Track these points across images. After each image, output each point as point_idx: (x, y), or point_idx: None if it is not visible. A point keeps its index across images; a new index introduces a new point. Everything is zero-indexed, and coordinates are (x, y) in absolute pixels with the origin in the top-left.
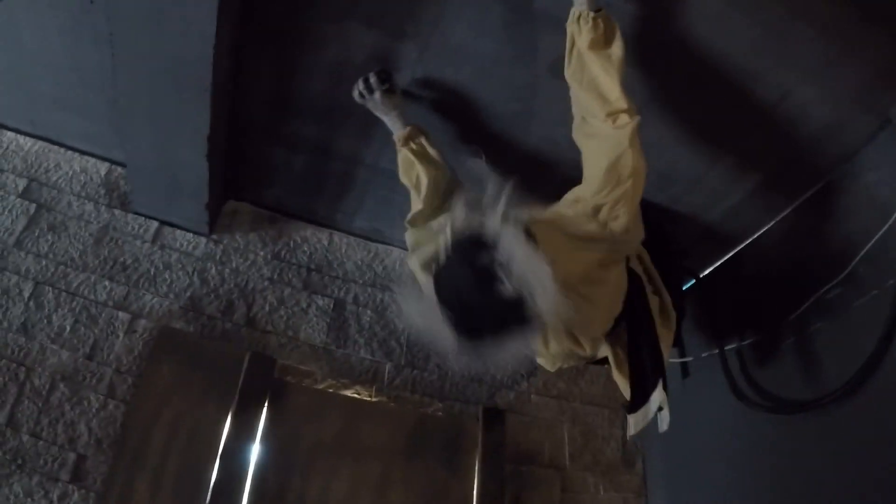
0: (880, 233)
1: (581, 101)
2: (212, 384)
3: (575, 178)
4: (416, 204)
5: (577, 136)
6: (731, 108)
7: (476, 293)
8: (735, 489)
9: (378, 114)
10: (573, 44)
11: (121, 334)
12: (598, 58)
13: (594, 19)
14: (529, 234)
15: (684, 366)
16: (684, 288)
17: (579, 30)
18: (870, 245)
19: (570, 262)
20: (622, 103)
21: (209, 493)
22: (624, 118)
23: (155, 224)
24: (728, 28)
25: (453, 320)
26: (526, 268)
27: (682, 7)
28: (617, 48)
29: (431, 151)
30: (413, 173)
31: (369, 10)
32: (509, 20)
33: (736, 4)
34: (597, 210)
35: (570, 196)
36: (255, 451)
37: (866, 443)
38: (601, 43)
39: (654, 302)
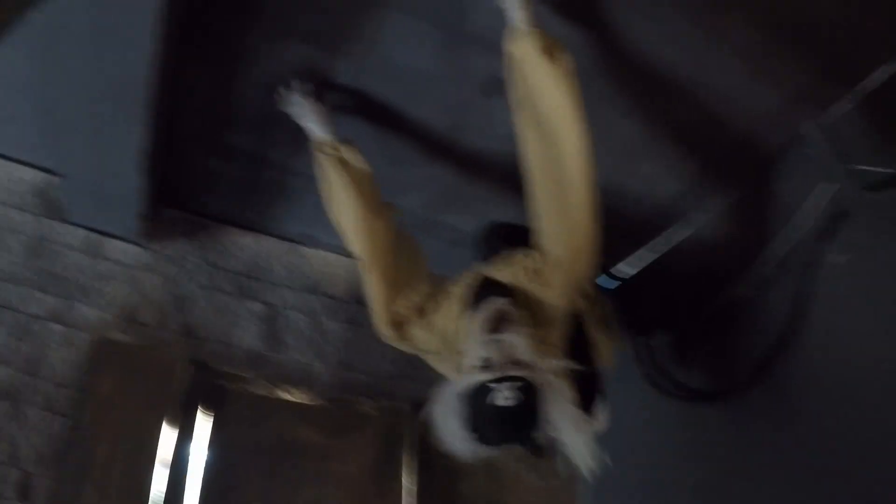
0: (786, 237)
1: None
2: (151, 393)
3: (502, 184)
4: (355, 240)
5: (525, 141)
6: (652, 120)
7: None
8: (652, 472)
9: (300, 121)
10: (513, 63)
11: (58, 347)
12: (547, 72)
13: (533, 32)
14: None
15: None
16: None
17: (519, 46)
18: (777, 248)
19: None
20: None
21: (151, 502)
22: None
23: (90, 234)
24: (651, 49)
25: (483, 436)
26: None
27: (609, 28)
28: (564, 62)
29: (347, 156)
30: (327, 179)
31: (307, 28)
32: (441, 41)
33: (662, 32)
34: (567, 283)
35: (522, 264)
36: (196, 456)
37: (769, 429)
38: (546, 51)
39: (592, 313)
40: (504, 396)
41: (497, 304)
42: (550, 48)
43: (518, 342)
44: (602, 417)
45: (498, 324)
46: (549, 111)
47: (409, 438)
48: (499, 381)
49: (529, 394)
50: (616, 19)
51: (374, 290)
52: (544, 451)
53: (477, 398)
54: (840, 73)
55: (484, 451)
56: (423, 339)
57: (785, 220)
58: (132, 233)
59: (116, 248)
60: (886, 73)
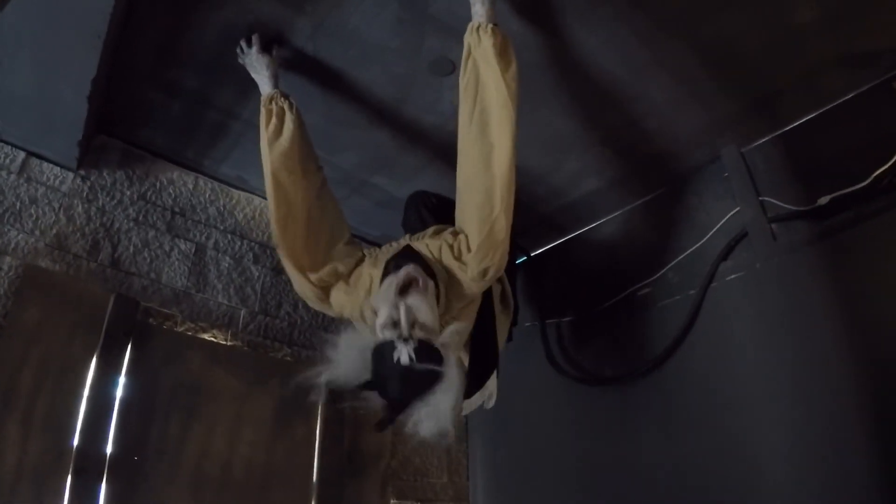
0: (691, 249)
1: (467, 114)
2: (77, 325)
3: (436, 156)
4: (274, 199)
5: (464, 129)
6: (584, 121)
7: (409, 389)
8: (540, 440)
9: (253, 73)
10: (469, 54)
11: None
12: (496, 69)
13: (492, 29)
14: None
15: (509, 332)
16: (517, 262)
17: (478, 39)
18: (681, 257)
19: (465, 314)
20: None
21: (77, 433)
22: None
23: (22, 154)
24: (595, 57)
25: (384, 391)
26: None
27: (559, 33)
28: (513, 63)
29: (290, 116)
30: (265, 137)
31: None
32: (402, 17)
33: (608, 46)
34: (483, 274)
35: (449, 243)
36: (119, 391)
37: (649, 417)
38: (500, 49)
39: (496, 290)
40: (405, 355)
41: (409, 269)
42: (504, 47)
43: (423, 307)
44: (493, 389)
45: (407, 288)
46: (490, 107)
47: (321, 388)
48: (403, 340)
49: (429, 356)
50: (567, 26)
51: (289, 260)
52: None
53: (381, 355)
54: (766, 110)
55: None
56: (344, 304)
57: (692, 232)
58: (67, 158)
59: (49, 171)
60: (806, 116)
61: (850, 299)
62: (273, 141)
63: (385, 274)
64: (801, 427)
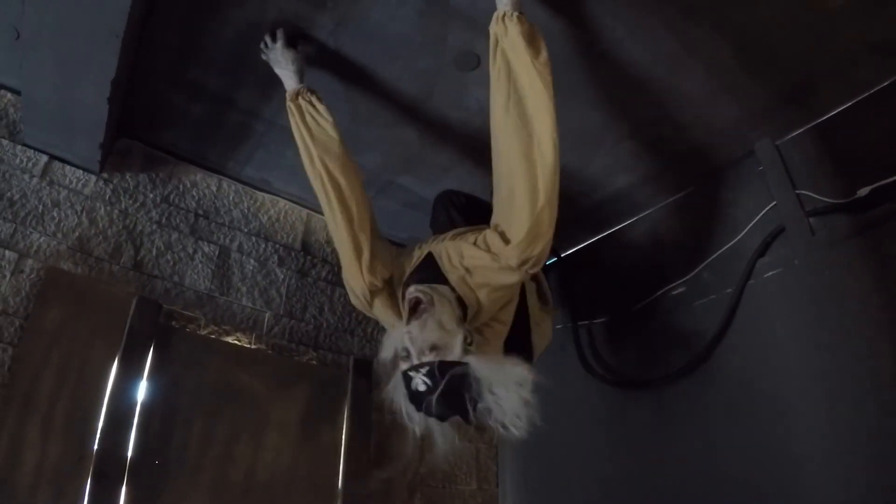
0: (727, 246)
1: (502, 102)
2: (99, 327)
3: (463, 155)
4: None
5: (500, 121)
6: (615, 114)
7: (444, 410)
8: (573, 445)
9: (277, 69)
10: (497, 43)
11: (7, 274)
12: (527, 57)
13: (518, 17)
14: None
15: None
16: (547, 263)
17: (505, 28)
18: (716, 255)
19: (504, 314)
20: (549, 148)
21: (97, 436)
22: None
23: (44, 158)
24: (625, 48)
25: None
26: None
27: (588, 23)
28: (543, 50)
29: (319, 109)
30: (300, 133)
31: None
32: (423, 10)
33: (636, 36)
34: (523, 263)
35: (471, 241)
36: (141, 394)
37: (686, 421)
38: (528, 37)
39: (530, 288)
40: (420, 382)
41: (410, 292)
42: (532, 35)
43: (428, 329)
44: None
45: (414, 311)
46: (526, 95)
47: (346, 392)
48: (415, 369)
49: (448, 374)
50: (595, 15)
51: (352, 255)
52: (476, 421)
53: (406, 386)
54: (800, 101)
55: (432, 422)
56: (383, 313)
57: (726, 228)
58: (89, 161)
59: (72, 174)
60: (842, 106)
61: (892, 294)
62: (313, 135)
63: (402, 297)
64: (845, 428)
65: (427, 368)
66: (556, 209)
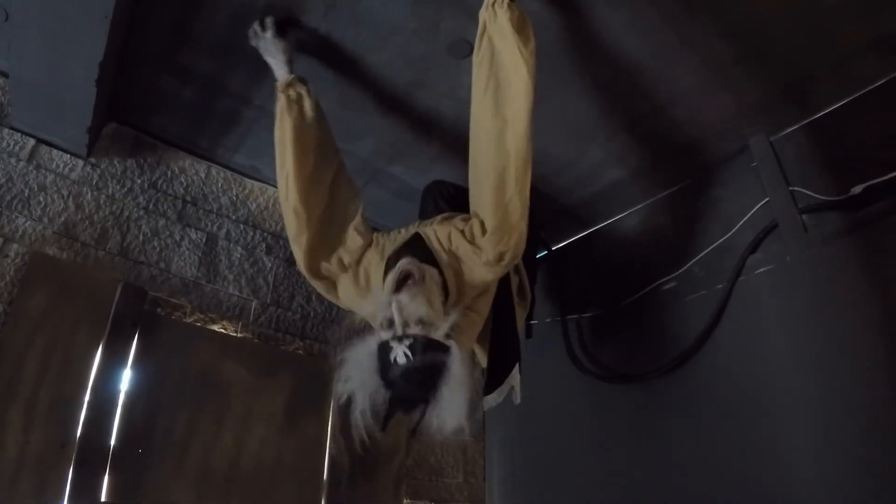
0: (719, 242)
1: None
2: (84, 314)
3: (454, 145)
4: (287, 196)
5: (477, 105)
6: (608, 107)
7: (412, 386)
8: (558, 437)
9: (267, 57)
10: (484, 30)
11: None
12: (514, 44)
13: (508, 4)
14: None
15: (529, 327)
16: (538, 256)
17: (494, 14)
18: (707, 250)
19: (480, 304)
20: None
21: (80, 424)
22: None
23: (32, 142)
24: (618, 38)
25: (390, 391)
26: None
27: (580, 11)
28: (532, 38)
29: (308, 102)
30: (283, 124)
31: None
32: None
33: (634, 26)
34: (500, 258)
35: (459, 228)
36: (125, 381)
37: (672, 415)
38: (517, 25)
39: (514, 282)
40: (400, 353)
41: (404, 263)
42: (522, 22)
43: (417, 301)
44: (516, 383)
45: (403, 283)
46: (507, 81)
47: (332, 382)
48: (398, 339)
49: (430, 350)
50: (589, 5)
51: (300, 244)
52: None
53: (382, 355)
54: (796, 97)
55: (390, 412)
56: (353, 298)
57: (719, 223)
58: (77, 145)
59: (59, 158)
60: (838, 103)
61: (884, 293)
62: (293, 128)
63: (387, 270)
64: (833, 425)
65: (411, 341)
66: (528, 200)
